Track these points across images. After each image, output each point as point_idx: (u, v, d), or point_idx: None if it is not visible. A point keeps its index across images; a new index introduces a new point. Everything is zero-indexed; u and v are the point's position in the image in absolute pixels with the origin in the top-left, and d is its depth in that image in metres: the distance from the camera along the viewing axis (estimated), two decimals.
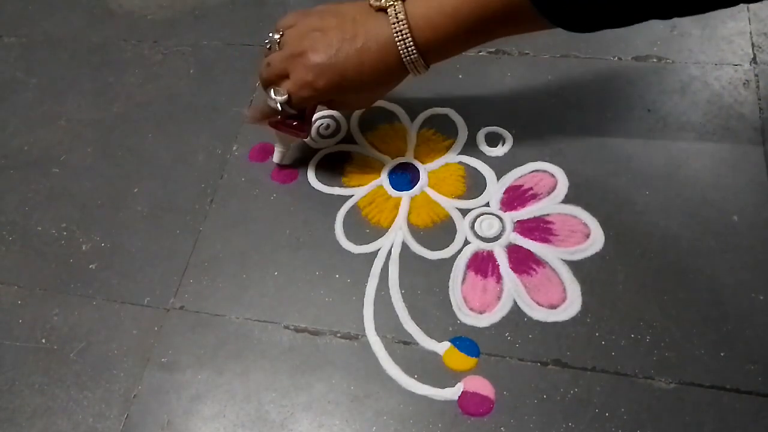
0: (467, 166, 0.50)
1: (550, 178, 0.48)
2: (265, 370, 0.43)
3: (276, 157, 0.51)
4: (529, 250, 0.45)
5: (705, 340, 0.40)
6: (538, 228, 0.46)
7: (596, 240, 0.45)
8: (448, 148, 0.51)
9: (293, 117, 0.47)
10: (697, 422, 0.38)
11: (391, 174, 0.50)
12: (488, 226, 0.47)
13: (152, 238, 0.50)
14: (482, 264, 0.45)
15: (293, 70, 0.44)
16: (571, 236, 0.45)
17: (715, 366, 0.39)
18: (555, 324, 0.42)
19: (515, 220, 0.47)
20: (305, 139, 0.52)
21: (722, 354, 0.40)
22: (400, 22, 0.42)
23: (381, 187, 0.50)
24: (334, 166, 0.52)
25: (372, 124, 0.54)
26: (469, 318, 0.43)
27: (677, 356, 0.40)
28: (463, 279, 0.45)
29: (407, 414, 0.40)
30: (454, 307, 0.43)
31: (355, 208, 0.49)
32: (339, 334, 0.43)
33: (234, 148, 0.54)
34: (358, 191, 0.50)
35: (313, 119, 0.52)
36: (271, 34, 0.46)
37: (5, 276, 0.49)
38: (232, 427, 0.41)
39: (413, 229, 0.47)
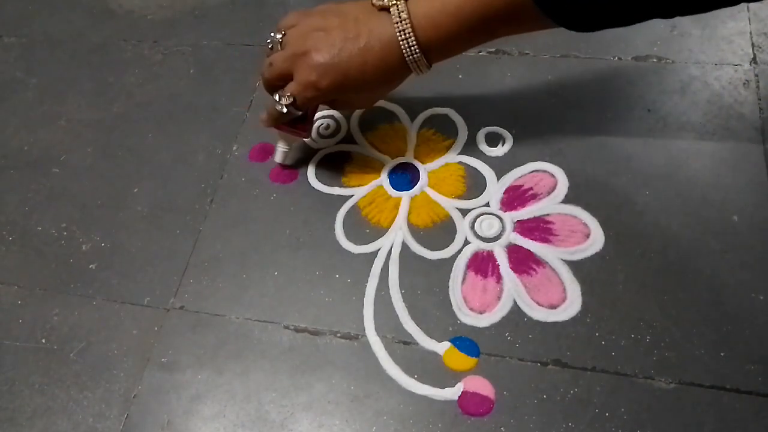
0: (467, 166, 0.50)
1: (550, 178, 0.48)
2: (265, 370, 0.43)
3: (278, 157, 0.51)
4: (529, 250, 0.45)
5: (705, 340, 0.40)
6: (538, 228, 0.46)
7: (596, 240, 0.45)
8: (448, 148, 0.51)
9: (296, 117, 0.47)
10: (697, 422, 0.38)
11: (391, 174, 0.50)
12: (488, 226, 0.47)
13: (152, 238, 0.50)
14: (482, 264, 0.45)
15: (296, 71, 0.44)
16: (571, 236, 0.45)
17: (715, 366, 0.39)
18: (555, 324, 0.42)
19: (515, 220, 0.47)
20: (306, 139, 0.52)
21: (722, 354, 0.40)
22: (403, 21, 0.42)
23: (381, 187, 0.50)
24: (334, 166, 0.52)
25: (372, 124, 0.54)
26: (469, 318, 0.43)
27: (677, 356, 0.40)
28: (463, 279, 0.45)
29: (407, 414, 0.40)
30: (454, 307, 0.43)
31: (355, 208, 0.49)
32: (339, 334, 0.43)
33: (234, 148, 0.54)
34: (358, 191, 0.50)
35: (314, 119, 0.52)
36: (272, 34, 0.46)
37: (5, 276, 0.49)
38: (232, 427, 0.41)
39: (413, 229, 0.47)
